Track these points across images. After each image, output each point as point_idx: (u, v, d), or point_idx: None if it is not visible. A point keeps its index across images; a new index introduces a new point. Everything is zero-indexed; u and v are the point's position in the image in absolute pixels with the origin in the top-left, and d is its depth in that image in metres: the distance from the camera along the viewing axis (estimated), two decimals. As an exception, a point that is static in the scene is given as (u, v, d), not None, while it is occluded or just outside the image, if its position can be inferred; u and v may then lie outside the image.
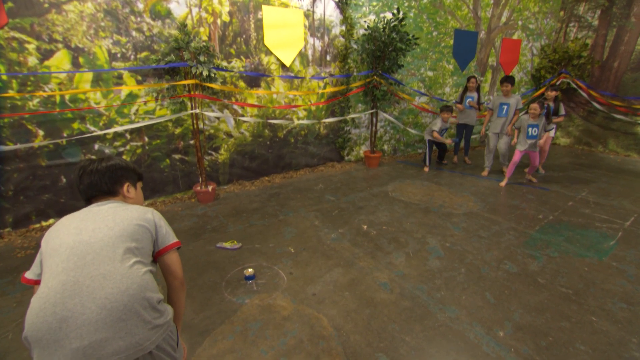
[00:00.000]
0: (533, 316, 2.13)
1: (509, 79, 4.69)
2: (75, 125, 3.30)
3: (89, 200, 1.16)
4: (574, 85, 6.40)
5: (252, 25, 4.07)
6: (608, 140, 6.42)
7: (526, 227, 3.35)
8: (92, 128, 3.38)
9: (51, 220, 3.36)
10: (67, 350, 0.80)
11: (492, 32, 6.22)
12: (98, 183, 1.14)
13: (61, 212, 3.39)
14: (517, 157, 4.40)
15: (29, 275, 1.03)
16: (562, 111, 4.70)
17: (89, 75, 3.23)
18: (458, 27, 5.80)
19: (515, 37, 6.54)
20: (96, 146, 3.45)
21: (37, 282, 1.00)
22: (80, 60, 3.17)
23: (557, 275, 2.57)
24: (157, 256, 1.13)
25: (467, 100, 5.22)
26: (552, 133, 4.89)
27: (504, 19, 6.26)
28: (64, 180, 3.34)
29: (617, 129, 6.26)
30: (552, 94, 4.64)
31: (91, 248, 0.95)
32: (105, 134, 3.46)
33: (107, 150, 3.51)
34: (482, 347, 1.90)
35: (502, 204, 3.95)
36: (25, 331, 0.82)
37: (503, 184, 4.56)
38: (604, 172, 5.22)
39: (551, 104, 4.63)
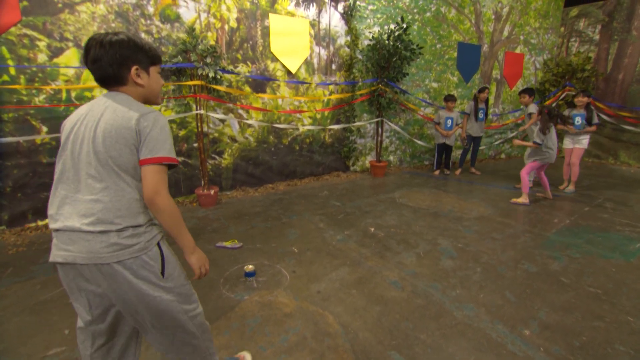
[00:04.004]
0: (561, 315, 1.93)
1: (525, 91, 4.51)
2: (80, 123, 3.28)
3: (102, 86, 1.10)
4: (580, 98, 6.37)
5: (259, 32, 4.15)
6: (619, 152, 6.29)
7: (542, 230, 3.17)
8: (96, 127, 3.36)
9: (47, 220, 3.25)
10: (60, 223, 0.99)
11: (495, 45, 6.32)
12: (101, 61, 1.02)
13: (59, 211, 3.29)
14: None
15: None
16: (596, 119, 4.23)
17: (96, 74, 3.26)
18: (461, 40, 5.90)
19: (517, 51, 6.63)
20: (99, 145, 3.41)
21: None
22: (89, 59, 3.21)
23: (582, 275, 2.37)
24: None
25: (480, 112, 5.19)
26: (582, 144, 4.31)
27: (505, 34, 6.38)
28: (64, 178, 3.27)
29: (627, 140, 6.15)
30: (583, 99, 4.21)
31: (74, 162, 1.01)
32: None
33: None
34: (507, 346, 1.69)
35: (514, 209, 3.78)
36: None
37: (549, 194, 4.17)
38: (618, 181, 5.05)
39: (582, 112, 4.25)
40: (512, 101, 6.84)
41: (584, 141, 4.33)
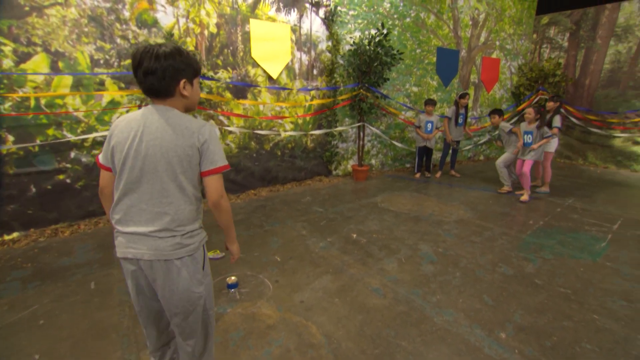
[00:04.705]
0: (534, 317, 2.02)
1: (494, 112, 4.65)
2: (50, 131, 3.14)
3: (149, 96, 1.14)
4: (551, 102, 6.67)
5: (240, 38, 4.11)
6: (587, 153, 6.64)
7: (518, 232, 3.30)
8: (69, 135, 3.22)
9: (15, 234, 3.09)
10: (129, 228, 1.14)
11: (473, 50, 6.52)
12: (155, 74, 1.06)
13: (27, 224, 3.13)
14: (520, 166, 4.32)
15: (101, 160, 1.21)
16: (557, 123, 4.34)
17: (68, 80, 3.13)
18: (440, 45, 6.05)
19: (494, 56, 6.87)
20: (72, 154, 3.27)
21: (108, 169, 1.19)
22: (60, 64, 3.08)
23: (554, 276, 2.48)
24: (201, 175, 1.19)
25: (460, 117, 5.34)
26: (550, 148, 4.44)
27: (482, 39, 6.60)
28: (34, 189, 3.12)
29: (594, 142, 6.49)
30: (550, 104, 4.44)
31: (138, 177, 1.10)
32: (83, 142, 3.30)
33: (84, 159, 3.34)
34: (484, 350, 1.75)
35: (492, 212, 3.92)
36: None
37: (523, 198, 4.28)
38: (586, 182, 5.32)
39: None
40: (489, 104, 7.08)
41: (551, 144, 4.45)
